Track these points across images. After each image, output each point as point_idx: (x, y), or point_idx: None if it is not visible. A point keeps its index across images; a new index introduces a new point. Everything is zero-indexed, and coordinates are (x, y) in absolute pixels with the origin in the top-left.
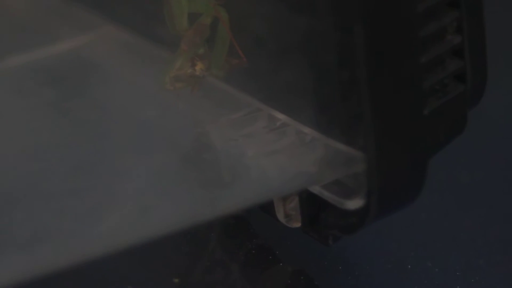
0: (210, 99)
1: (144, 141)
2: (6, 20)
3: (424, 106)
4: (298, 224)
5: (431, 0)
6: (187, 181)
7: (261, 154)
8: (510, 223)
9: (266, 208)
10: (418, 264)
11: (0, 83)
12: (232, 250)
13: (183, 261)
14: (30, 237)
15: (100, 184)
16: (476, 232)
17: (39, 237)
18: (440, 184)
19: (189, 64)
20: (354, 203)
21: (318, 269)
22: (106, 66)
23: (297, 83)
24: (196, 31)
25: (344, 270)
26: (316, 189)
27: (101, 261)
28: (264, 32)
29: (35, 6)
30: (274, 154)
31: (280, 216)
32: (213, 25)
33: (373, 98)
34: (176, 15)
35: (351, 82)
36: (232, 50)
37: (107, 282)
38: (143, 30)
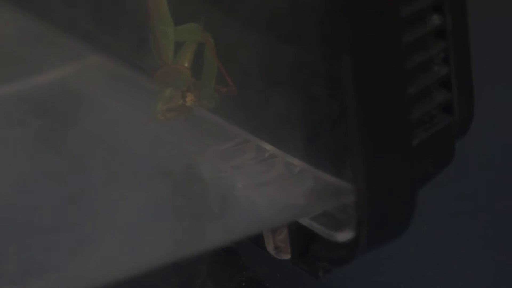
0: (198, 130)
1: (133, 173)
2: None
3: (412, 138)
4: (287, 256)
5: (418, 31)
6: (176, 213)
7: (250, 185)
8: (500, 253)
9: (256, 240)
10: None
11: None
12: (222, 283)
13: None
14: (21, 271)
15: (89, 217)
16: (465, 262)
17: (30, 271)
18: (428, 215)
19: (179, 94)
20: (344, 235)
21: None
22: (93, 96)
23: (286, 114)
24: (181, 62)
25: None
26: (305, 221)
27: None
28: (252, 62)
29: (22, 34)
30: (263, 185)
31: (270, 248)
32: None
33: (362, 129)
34: (162, 46)
35: (340, 113)
36: (221, 78)
37: None
38: (130, 60)
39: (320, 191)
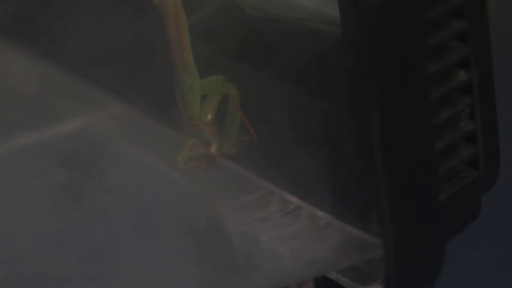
0: (222, 181)
1: (157, 224)
2: (16, 100)
3: (439, 193)
4: None
5: (444, 87)
6: (201, 266)
7: (275, 239)
8: None
9: None
10: None
11: (11, 164)
12: None
13: None
14: None
15: (113, 269)
16: None
17: None
18: (449, 265)
19: (201, 144)
20: None
21: None
22: (116, 146)
23: (312, 167)
24: (205, 114)
25: None
26: (332, 274)
27: None
28: (280, 115)
29: (45, 83)
30: (288, 239)
31: None
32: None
33: (390, 184)
34: (188, 100)
35: (367, 167)
36: (243, 127)
37: None
38: (153, 111)
39: (347, 245)
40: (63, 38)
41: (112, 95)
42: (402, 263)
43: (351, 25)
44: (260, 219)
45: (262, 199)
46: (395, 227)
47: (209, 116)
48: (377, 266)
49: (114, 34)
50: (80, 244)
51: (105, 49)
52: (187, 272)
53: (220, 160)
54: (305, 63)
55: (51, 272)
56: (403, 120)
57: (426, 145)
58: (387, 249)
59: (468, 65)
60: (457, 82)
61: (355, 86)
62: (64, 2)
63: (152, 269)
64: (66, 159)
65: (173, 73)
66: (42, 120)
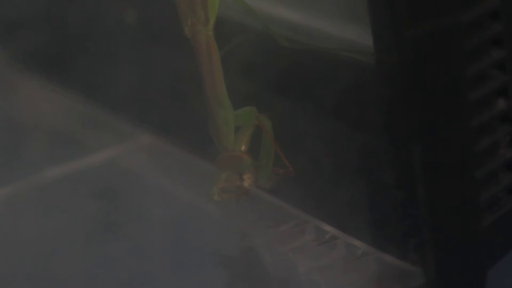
0: (256, 211)
1: (192, 257)
2: (45, 133)
3: (480, 221)
4: None
5: (484, 115)
6: None
7: (312, 269)
8: None
9: None
10: None
11: (41, 198)
12: None
13: None
14: None
15: None
16: None
17: None
18: None
19: (236, 176)
20: None
21: None
22: (146, 177)
23: (349, 198)
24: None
25: None
26: None
27: None
28: (317, 148)
29: (72, 115)
30: (325, 269)
31: None
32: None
33: (431, 214)
34: (223, 133)
35: (407, 198)
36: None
37: None
38: (183, 141)
39: (385, 274)
40: (93, 71)
41: (142, 127)
42: None
43: (387, 54)
44: (295, 249)
45: (297, 228)
46: (437, 256)
47: (243, 148)
48: None
49: (146, 66)
50: (114, 278)
51: (137, 82)
52: None
53: (254, 193)
54: (342, 94)
55: None
56: (443, 151)
57: (467, 174)
58: (428, 278)
59: (507, 93)
60: (496, 111)
61: (395, 117)
62: (100, 38)
63: None
64: (98, 191)
65: (207, 105)
66: (71, 152)
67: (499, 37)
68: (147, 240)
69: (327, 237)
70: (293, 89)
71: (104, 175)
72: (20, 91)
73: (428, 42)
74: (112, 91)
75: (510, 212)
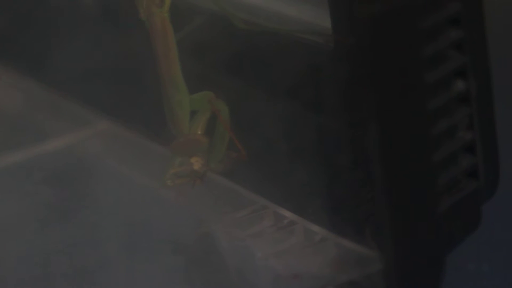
0: (213, 196)
1: (147, 242)
2: (0, 119)
3: (438, 204)
4: None
5: (442, 97)
6: (193, 285)
7: (270, 254)
8: None
9: None
10: None
11: None
12: None
13: None
14: None
15: None
16: None
17: None
18: (448, 277)
19: (189, 160)
20: None
21: None
22: (103, 163)
23: (307, 181)
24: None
25: None
26: None
27: None
28: (273, 130)
29: (29, 101)
30: (283, 254)
31: None
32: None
33: (389, 197)
34: (178, 117)
35: (365, 181)
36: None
37: None
38: (139, 126)
39: (344, 259)
40: (47, 56)
41: (98, 113)
42: (402, 276)
43: (345, 35)
44: (253, 235)
45: (255, 214)
46: (394, 240)
47: (199, 132)
48: (375, 280)
49: (99, 51)
50: (68, 264)
51: (91, 66)
52: None
53: (208, 177)
54: (298, 75)
55: None
56: (400, 132)
57: (425, 157)
58: (387, 262)
59: (466, 75)
60: (454, 92)
61: (351, 98)
62: (48, 20)
63: None
64: (52, 177)
65: (162, 88)
66: (27, 138)
67: (456, 16)
68: (102, 226)
69: (286, 222)
70: (249, 72)
71: (59, 161)
72: None
73: (385, 22)
74: (66, 76)
75: (469, 195)
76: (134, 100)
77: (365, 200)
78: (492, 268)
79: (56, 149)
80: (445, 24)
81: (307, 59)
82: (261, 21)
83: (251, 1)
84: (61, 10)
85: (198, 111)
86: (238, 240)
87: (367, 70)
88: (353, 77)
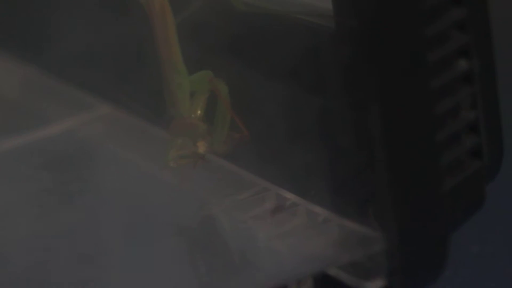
0: (215, 179)
1: (149, 226)
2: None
3: (442, 184)
4: None
5: (444, 76)
6: (195, 267)
7: (272, 236)
8: None
9: None
10: None
11: None
12: None
13: None
14: None
15: (104, 274)
16: None
17: None
18: (451, 258)
19: (191, 141)
20: (374, 285)
21: None
22: (104, 147)
23: (309, 163)
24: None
25: None
26: (332, 270)
27: None
28: (275, 112)
29: (29, 86)
30: (285, 236)
31: None
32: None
33: (391, 178)
34: (177, 98)
35: (367, 161)
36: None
37: None
38: (141, 111)
39: (346, 240)
40: (47, 40)
41: (99, 97)
42: (405, 257)
43: (346, 17)
44: (255, 217)
45: (257, 196)
46: (397, 221)
47: (198, 113)
48: (378, 261)
49: (99, 34)
50: (69, 249)
51: (90, 50)
52: (181, 274)
53: (210, 157)
54: (299, 57)
55: (38, 278)
56: (403, 112)
57: (427, 137)
58: (390, 243)
59: (469, 54)
60: (457, 72)
61: (353, 79)
62: (46, 3)
63: (144, 272)
64: (53, 162)
65: (162, 71)
66: (27, 123)
67: None
68: (103, 210)
69: (288, 204)
70: (250, 54)
71: (60, 146)
72: None
73: (386, 2)
74: (66, 61)
75: (472, 175)
76: (135, 83)
77: (367, 180)
78: (496, 250)
79: (56, 133)
80: (448, 3)
81: (308, 40)
82: (262, 2)
83: None
84: None
85: (197, 92)
86: (240, 222)
87: (369, 50)
88: (354, 58)
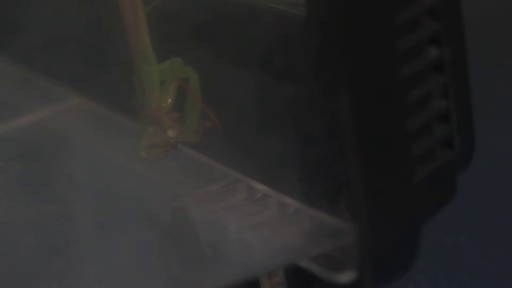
0: (186, 170)
1: (119, 217)
2: None
3: (413, 174)
4: None
5: (415, 64)
6: (165, 259)
7: (243, 228)
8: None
9: (251, 283)
10: None
11: None
12: None
13: None
14: None
15: (73, 265)
16: None
17: None
18: (424, 250)
19: (162, 131)
20: (345, 276)
21: None
22: (75, 138)
23: (279, 153)
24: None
25: None
26: (303, 262)
27: None
28: (245, 101)
29: (0, 77)
30: (256, 227)
31: None
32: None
33: (362, 167)
34: (148, 88)
35: (338, 151)
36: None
37: None
38: (112, 101)
39: (318, 231)
40: (14, 30)
41: (69, 88)
42: (376, 248)
43: (317, 4)
44: (226, 208)
45: (228, 187)
46: (369, 211)
47: (169, 102)
48: (350, 252)
49: (68, 24)
50: (39, 241)
51: (60, 41)
52: (152, 265)
53: (182, 147)
54: (270, 45)
55: (8, 270)
56: (373, 101)
57: (399, 125)
58: (361, 234)
59: (440, 42)
60: (428, 60)
61: (324, 68)
62: None
63: (114, 263)
64: (23, 153)
65: (131, 60)
66: None
67: None
68: (73, 201)
69: (259, 195)
70: (221, 42)
71: (31, 137)
72: None
73: None
74: (37, 51)
75: (444, 165)
76: (105, 73)
77: (339, 171)
78: (470, 241)
79: (26, 124)
80: None
81: (279, 29)
82: None
83: None
84: None
85: (167, 80)
86: (211, 213)
87: (339, 39)
88: (325, 46)
